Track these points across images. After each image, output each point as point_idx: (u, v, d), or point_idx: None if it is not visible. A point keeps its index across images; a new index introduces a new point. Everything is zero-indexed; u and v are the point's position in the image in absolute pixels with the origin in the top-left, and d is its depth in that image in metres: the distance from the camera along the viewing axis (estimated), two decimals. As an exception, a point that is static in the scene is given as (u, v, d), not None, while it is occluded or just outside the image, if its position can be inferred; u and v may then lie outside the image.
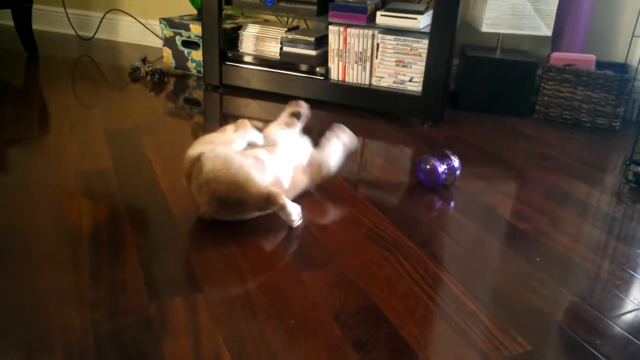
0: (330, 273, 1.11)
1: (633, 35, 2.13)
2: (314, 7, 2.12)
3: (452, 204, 1.46)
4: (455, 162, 1.53)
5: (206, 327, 0.94)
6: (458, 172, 1.53)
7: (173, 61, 2.58)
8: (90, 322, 0.93)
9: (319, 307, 1.01)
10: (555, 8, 2.10)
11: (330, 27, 2.15)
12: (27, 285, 1.01)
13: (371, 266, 1.15)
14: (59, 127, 1.79)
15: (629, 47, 2.15)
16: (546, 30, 2.14)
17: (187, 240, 1.20)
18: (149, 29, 3.05)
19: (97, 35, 3.15)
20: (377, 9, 2.10)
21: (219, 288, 1.04)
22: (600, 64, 2.20)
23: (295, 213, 1.25)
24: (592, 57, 2.16)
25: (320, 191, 1.47)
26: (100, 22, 3.12)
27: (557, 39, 2.26)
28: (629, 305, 1.08)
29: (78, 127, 1.80)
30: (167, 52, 2.58)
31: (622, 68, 2.18)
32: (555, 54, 2.19)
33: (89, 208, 1.30)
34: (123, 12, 3.08)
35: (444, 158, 1.52)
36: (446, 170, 1.51)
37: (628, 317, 1.04)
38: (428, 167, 1.51)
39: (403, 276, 1.12)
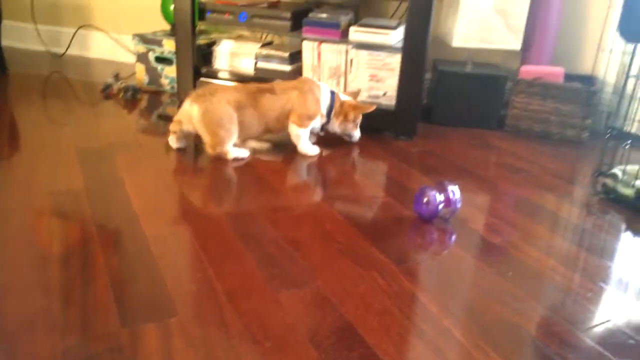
0: (305, 292, 1.11)
1: (599, 49, 2.19)
2: (288, 23, 2.13)
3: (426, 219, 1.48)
4: (456, 194, 1.44)
5: (180, 353, 0.93)
6: (459, 205, 1.45)
7: (146, 77, 2.56)
8: (61, 350, 0.91)
9: (295, 328, 1.01)
10: (524, 22, 2.15)
11: (304, 43, 2.16)
12: (-5, 313, 0.99)
13: (346, 284, 1.15)
14: (30, 146, 1.76)
15: (595, 59, 2.21)
16: (515, 44, 2.19)
17: (160, 261, 1.18)
18: (121, 45, 3.03)
19: (68, 52, 3.11)
20: (350, 24, 2.12)
21: (193, 311, 1.03)
22: (568, 76, 2.26)
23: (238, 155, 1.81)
24: (561, 69, 2.21)
25: (294, 207, 1.47)
26: (72, 38, 3.09)
27: (526, 52, 2.31)
28: (599, 317, 1.10)
29: (49, 146, 1.77)
30: (140, 68, 2.56)
31: (590, 80, 2.24)
32: (525, 68, 2.24)
33: (59, 230, 1.28)
34: (95, 27, 3.05)
35: (442, 190, 1.44)
36: (443, 202, 1.43)
37: (599, 330, 1.06)
38: (425, 199, 1.43)
39: (378, 293, 1.12)
